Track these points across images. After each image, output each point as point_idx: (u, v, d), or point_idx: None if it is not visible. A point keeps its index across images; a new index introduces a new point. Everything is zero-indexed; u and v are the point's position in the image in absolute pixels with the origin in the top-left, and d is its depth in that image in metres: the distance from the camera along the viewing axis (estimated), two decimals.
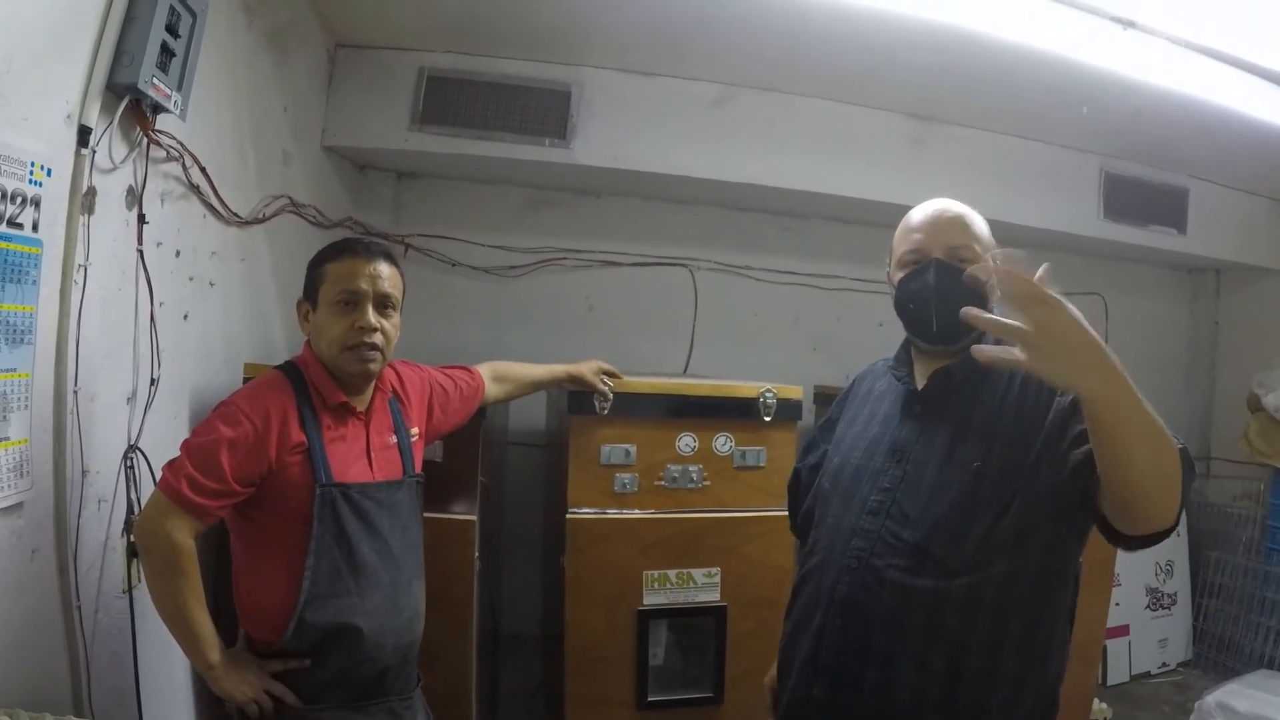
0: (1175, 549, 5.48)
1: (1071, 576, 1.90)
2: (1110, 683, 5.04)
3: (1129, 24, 3.35)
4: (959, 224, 2.00)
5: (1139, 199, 5.15)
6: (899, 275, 2.05)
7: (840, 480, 2.09)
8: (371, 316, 2.19)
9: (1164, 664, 5.37)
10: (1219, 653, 5.41)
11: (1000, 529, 1.80)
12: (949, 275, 1.94)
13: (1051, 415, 1.81)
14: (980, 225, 2.02)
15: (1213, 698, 4.36)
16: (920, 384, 2.05)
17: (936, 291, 1.95)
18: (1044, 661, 1.87)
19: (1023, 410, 1.87)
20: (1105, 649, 4.89)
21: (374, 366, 2.23)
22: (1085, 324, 1.45)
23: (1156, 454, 1.48)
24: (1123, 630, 5.10)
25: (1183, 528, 5.51)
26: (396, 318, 2.28)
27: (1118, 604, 4.83)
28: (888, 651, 1.88)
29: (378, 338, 2.20)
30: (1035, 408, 1.86)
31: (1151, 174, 5.19)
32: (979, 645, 1.82)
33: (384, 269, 2.24)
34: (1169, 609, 5.40)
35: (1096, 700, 4.39)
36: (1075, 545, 1.86)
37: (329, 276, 2.20)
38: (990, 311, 1.85)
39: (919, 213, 2.06)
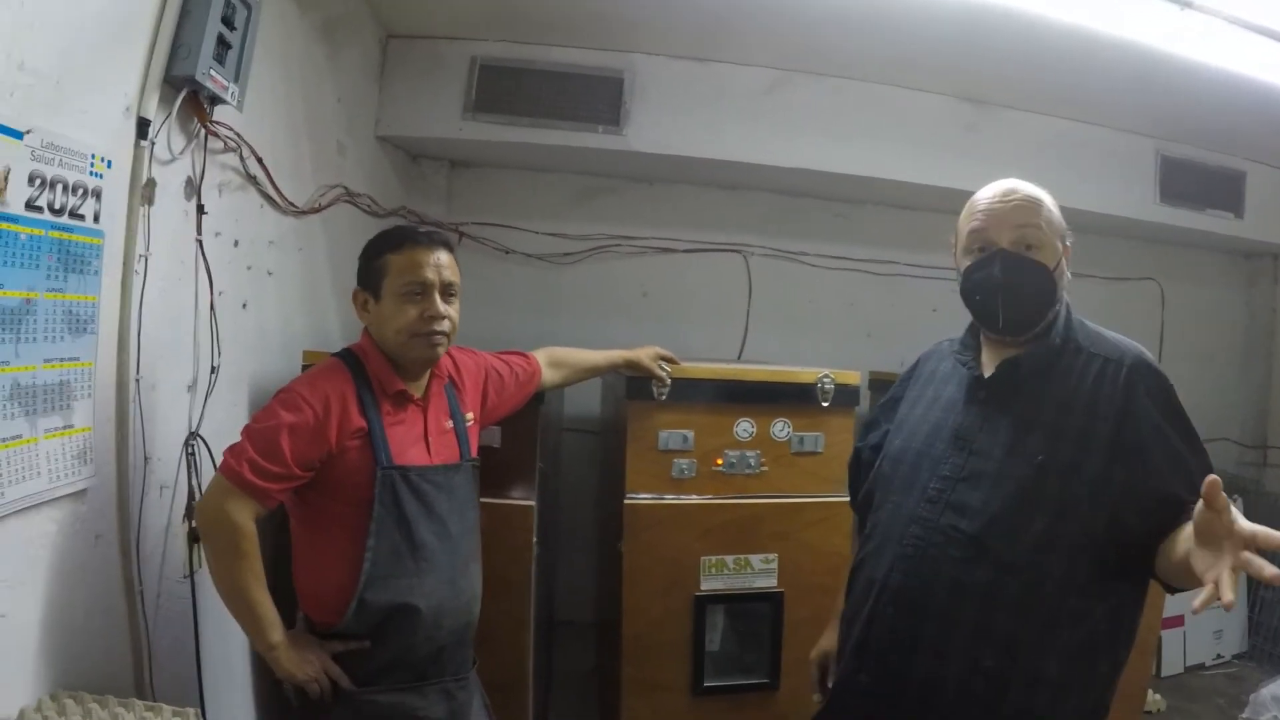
0: None
1: (1133, 581, 1.86)
2: (1165, 674, 4.94)
3: (1186, 4, 3.28)
4: (1025, 207, 1.93)
5: (1195, 182, 5.03)
6: (965, 262, 2.00)
7: (901, 465, 2.06)
8: (440, 304, 2.22)
9: (1219, 655, 5.24)
10: (1275, 645, 5.25)
11: (1062, 528, 1.78)
12: (1015, 266, 1.90)
13: (1154, 440, 1.79)
14: (1050, 207, 1.95)
15: (1268, 690, 4.27)
16: (987, 371, 2.01)
17: (1004, 285, 1.90)
18: (1092, 666, 1.84)
19: (1095, 406, 1.84)
20: (1160, 640, 4.79)
21: (440, 351, 2.27)
22: None
23: None
24: (1177, 621, 4.98)
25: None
26: (458, 304, 2.31)
27: (1172, 594, 4.71)
28: (937, 645, 1.86)
29: (445, 324, 2.24)
30: (1110, 406, 1.82)
31: (1208, 157, 5.07)
32: (1029, 648, 1.80)
33: (445, 257, 2.27)
34: None
35: (1150, 691, 4.34)
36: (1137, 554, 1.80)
37: (393, 268, 2.22)
38: (1053, 299, 1.83)
39: (985, 194, 1.99)
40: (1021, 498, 1.82)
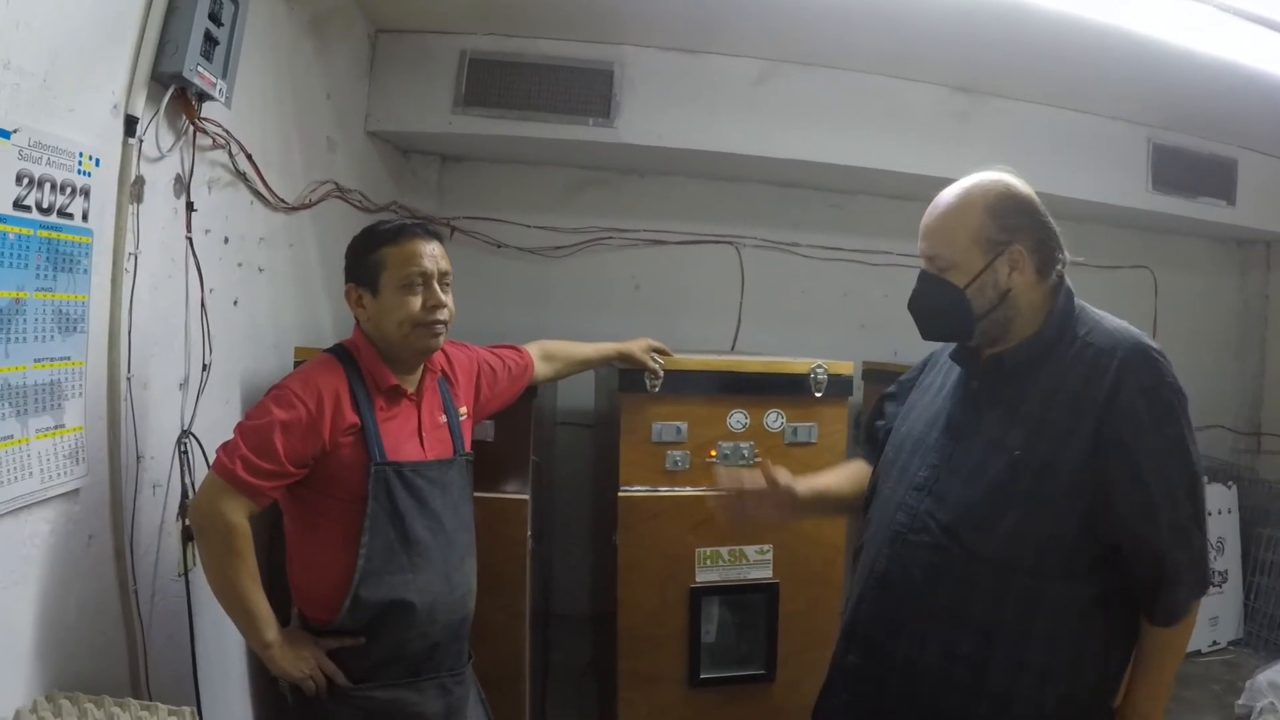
0: (1226, 526, 5.32)
1: (1122, 572, 1.84)
2: None
3: None
4: (933, 230, 2.01)
5: (1187, 170, 5.04)
6: None
7: (900, 452, 2.09)
8: (441, 294, 2.23)
9: (1215, 642, 5.24)
10: (1270, 631, 5.26)
11: (1029, 526, 1.79)
12: (924, 287, 2.03)
13: (1136, 440, 1.76)
14: (973, 218, 1.93)
15: (1264, 676, 4.27)
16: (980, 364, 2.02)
17: (916, 303, 2.05)
18: (1080, 655, 1.83)
19: (1081, 400, 1.81)
20: None
21: (440, 340, 2.28)
22: None
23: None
24: None
25: (1234, 505, 5.38)
26: (451, 294, 2.31)
27: None
28: (917, 630, 1.90)
29: (446, 313, 2.25)
30: (1096, 401, 1.79)
31: (1200, 145, 5.07)
32: (1006, 635, 1.81)
33: (438, 248, 2.28)
34: (1220, 587, 5.25)
35: None
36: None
37: (391, 261, 2.21)
38: (971, 314, 1.87)
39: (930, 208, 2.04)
40: (995, 491, 1.83)
